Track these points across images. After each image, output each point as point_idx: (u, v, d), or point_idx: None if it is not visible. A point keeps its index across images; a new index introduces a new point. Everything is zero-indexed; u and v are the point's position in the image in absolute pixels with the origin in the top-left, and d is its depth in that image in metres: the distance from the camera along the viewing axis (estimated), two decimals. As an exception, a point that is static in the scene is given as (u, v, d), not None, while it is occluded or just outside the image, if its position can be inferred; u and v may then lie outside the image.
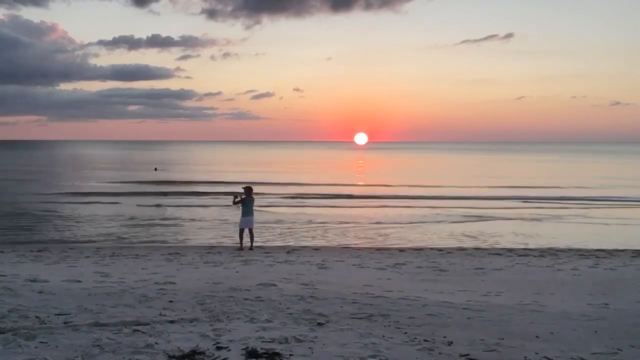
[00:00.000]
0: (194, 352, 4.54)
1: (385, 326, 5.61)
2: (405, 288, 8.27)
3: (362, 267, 10.88)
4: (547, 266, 11.29)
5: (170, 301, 6.69)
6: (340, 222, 20.11)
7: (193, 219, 20.85)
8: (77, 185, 36.01)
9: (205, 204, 25.86)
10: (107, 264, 10.94)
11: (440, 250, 14.25)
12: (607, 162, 79.26)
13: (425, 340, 5.06)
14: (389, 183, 38.87)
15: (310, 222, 20.19)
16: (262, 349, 4.65)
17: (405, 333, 5.32)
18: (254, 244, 14.07)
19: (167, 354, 4.49)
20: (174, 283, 8.20)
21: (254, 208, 14.19)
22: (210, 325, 5.48)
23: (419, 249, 14.35)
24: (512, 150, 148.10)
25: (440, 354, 4.68)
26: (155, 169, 54.41)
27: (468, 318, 6.07)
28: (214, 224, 19.70)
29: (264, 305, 6.52)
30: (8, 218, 20.75)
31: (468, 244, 15.77)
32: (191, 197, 29.24)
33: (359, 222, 20.36)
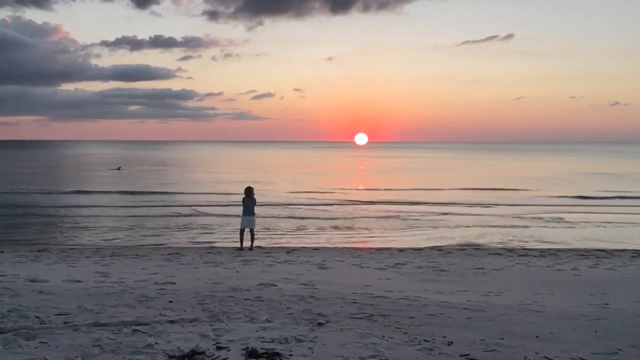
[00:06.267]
0: (194, 352, 4.53)
1: (385, 326, 5.60)
2: (405, 288, 8.27)
3: (362, 267, 10.88)
4: (547, 266, 11.28)
5: (170, 301, 6.69)
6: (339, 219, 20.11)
7: (190, 218, 20.87)
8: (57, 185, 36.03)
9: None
10: (107, 264, 10.93)
11: (440, 250, 14.25)
12: (608, 161, 79.34)
13: (425, 340, 5.05)
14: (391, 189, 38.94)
15: (309, 223, 20.20)
16: (262, 349, 4.64)
17: (405, 333, 5.32)
18: (254, 244, 14.07)
19: (167, 354, 4.48)
20: (174, 283, 8.19)
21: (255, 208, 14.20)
22: (210, 325, 5.48)
23: (419, 249, 14.35)
24: (511, 150, 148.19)
25: (440, 354, 4.68)
26: (119, 168, 55.09)
27: (468, 318, 6.07)
28: (214, 224, 19.70)
29: (264, 305, 6.51)
30: (8, 218, 20.74)
31: (468, 244, 15.78)
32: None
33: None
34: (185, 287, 7.74)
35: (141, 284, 8.12)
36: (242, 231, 14.02)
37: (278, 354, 4.52)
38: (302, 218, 21.36)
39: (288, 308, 6.39)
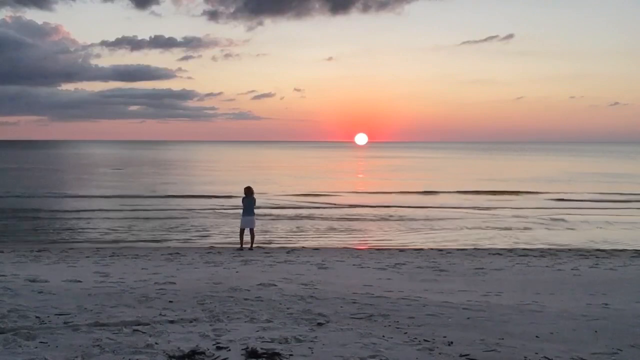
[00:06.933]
0: (194, 352, 4.53)
1: (385, 326, 5.60)
2: (405, 288, 8.27)
3: (362, 267, 10.88)
4: (547, 266, 11.28)
5: (170, 301, 6.69)
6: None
7: (190, 219, 20.87)
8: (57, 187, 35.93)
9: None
10: (107, 264, 10.93)
11: (440, 250, 14.25)
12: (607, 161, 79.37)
13: (425, 340, 5.05)
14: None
15: (309, 223, 20.20)
16: (262, 349, 4.64)
17: (405, 333, 5.32)
18: (254, 244, 14.07)
19: (167, 354, 4.49)
20: (174, 283, 8.19)
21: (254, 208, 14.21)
22: (210, 325, 5.48)
23: (419, 249, 14.35)
24: (511, 150, 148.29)
25: (440, 354, 4.68)
26: (120, 169, 56.02)
27: (468, 318, 6.07)
28: (214, 224, 19.70)
29: (264, 305, 6.52)
30: (8, 218, 20.74)
31: (468, 244, 15.77)
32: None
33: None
34: (185, 287, 7.74)
35: (141, 284, 8.12)
36: (242, 231, 14.02)
37: (278, 354, 4.52)
38: (302, 218, 21.36)
39: (288, 308, 6.40)
